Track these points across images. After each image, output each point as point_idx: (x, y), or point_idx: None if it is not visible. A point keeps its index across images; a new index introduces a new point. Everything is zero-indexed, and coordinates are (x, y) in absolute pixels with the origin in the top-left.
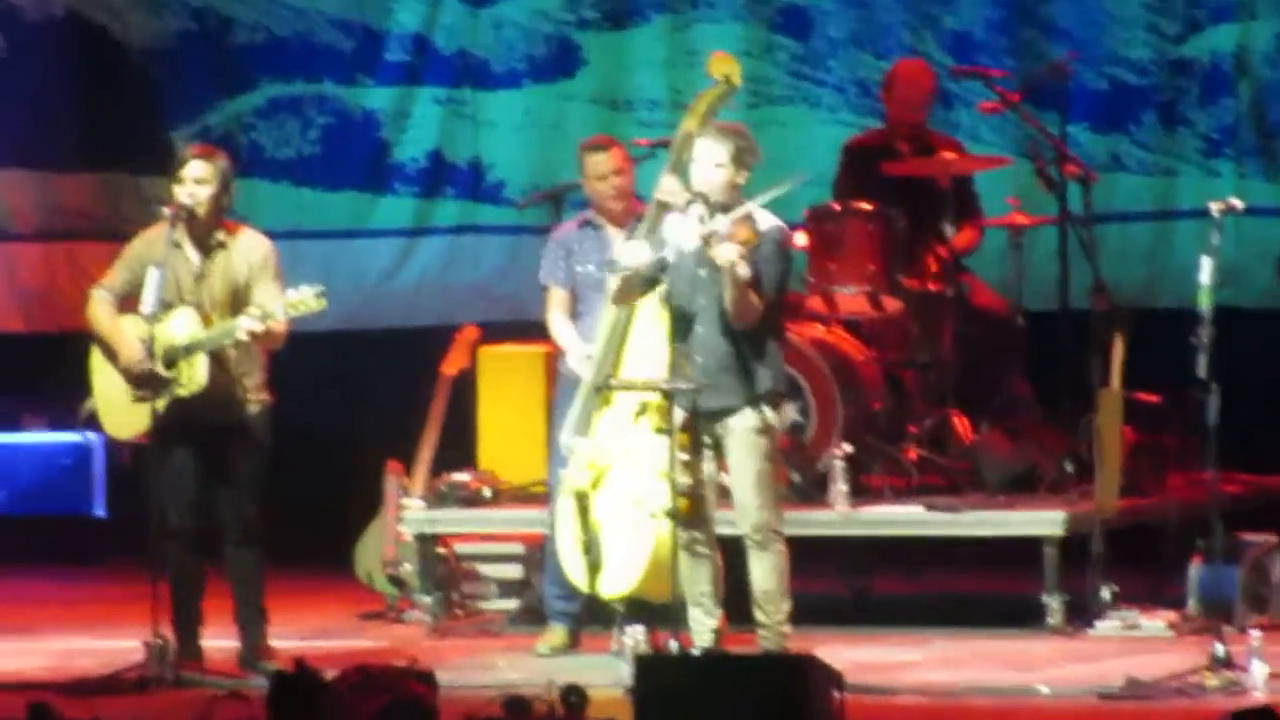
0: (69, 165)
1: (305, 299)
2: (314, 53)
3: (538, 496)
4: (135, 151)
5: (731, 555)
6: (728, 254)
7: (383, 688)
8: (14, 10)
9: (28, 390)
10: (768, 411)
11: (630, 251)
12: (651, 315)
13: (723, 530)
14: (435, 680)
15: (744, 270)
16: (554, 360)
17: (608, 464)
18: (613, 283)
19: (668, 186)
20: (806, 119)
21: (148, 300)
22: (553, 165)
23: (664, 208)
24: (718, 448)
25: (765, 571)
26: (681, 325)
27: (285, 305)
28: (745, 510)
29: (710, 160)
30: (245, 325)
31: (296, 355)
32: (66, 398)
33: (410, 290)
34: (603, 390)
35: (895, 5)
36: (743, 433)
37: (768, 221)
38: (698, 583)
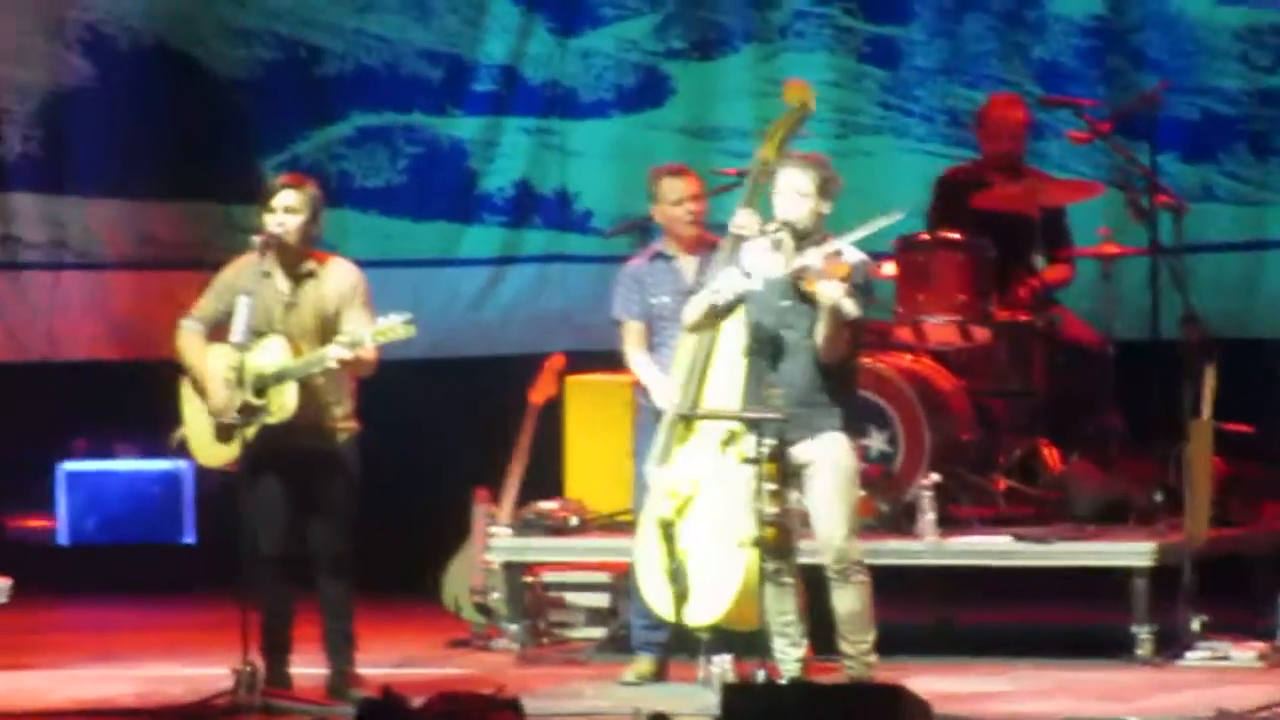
0: (159, 194)
1: (394, 326)
2: (403, 83)
3: (624, 525)
4: (225, 181)
5: (816, 585)
6: (833, 292)
7: (469, 715)
8: (104, 40)
9: (118, 418)
10: (849, 442)
11: (727, 279)
12: (732, 344)
13: (805, 560)
14: (521, 708)
15: (850, 308)
16: (640, 390)
17: (691, 492)
18: (691, 309)
19: (742, 219)
20: (894, 149)
21: (237, 329)
22: (640, 194)
23: (739, 239)
24: (800, 477)
25: (848, 602)
26: (765, 356)
27: (374, 333)
28: (827, 541)
29: (794, 189)
30: (334, 353)
31: (385, 383)
32: (157, 425)
33: (498, 319)
34: (688, 420)
35: (985, 35)
36: (825, 463)
37: (854, 255)
38: (783, 612)
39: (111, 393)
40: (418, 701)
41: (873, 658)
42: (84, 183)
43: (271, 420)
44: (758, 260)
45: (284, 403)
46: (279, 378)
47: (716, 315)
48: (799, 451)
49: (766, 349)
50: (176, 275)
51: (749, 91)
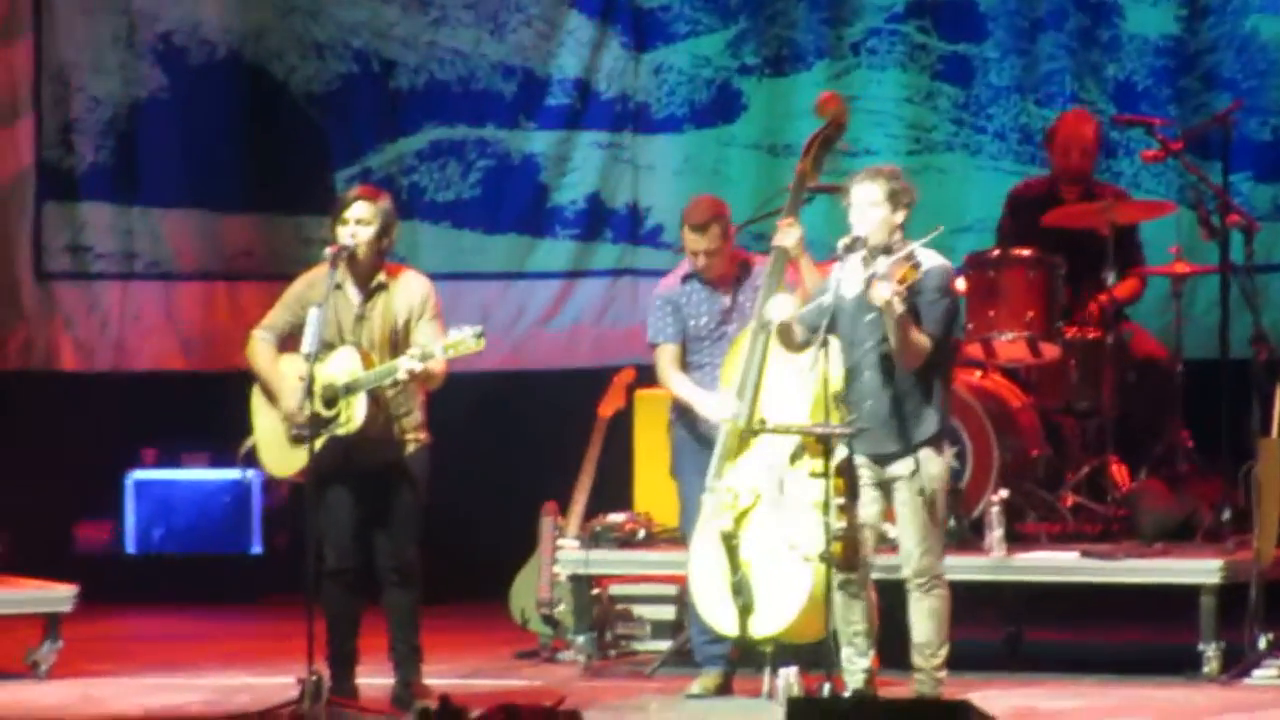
0: (230, 205)
1: (465, 339)
2: (476, 96)
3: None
4: (296, 192)
5: (889, 599)
6: (883, 292)
7: None
8: (177, 52)
9: (187, 428)
10: (933, 457)
11: (777, 306)
12: (782, 355)
13: (882, 575)
14: None
15: (899, 306)
16: (674, 410)
17: (751, 504)
18: (756, 335)
19: (782, 233)
20: (967, 166)
21: (308, 340)
22: None
23: (783, 253)
24: (883, 490)
25: (926, 616)
26: (847, 370)
27: (445, 345)
28: (909, 555)
29: (865, 201)
30: (405, 365)
31: (455, 396)
32: (225, 436)
33: (568, 333)
34: (756, 434)
35: (1058, 53)
36: (908, 478)
37: (932, 260)
38: (852, 623)
39: (180, 403)
40: (477, 712)
41: (943, 673)
42: (155, 193)
43: (341, 431)
44: (847, 276)
45: (353, 414)
46: (349, 389)
47: (805, 334)
48: (888, 464)
49: (847, 364)
50: (246, 286)
51: None
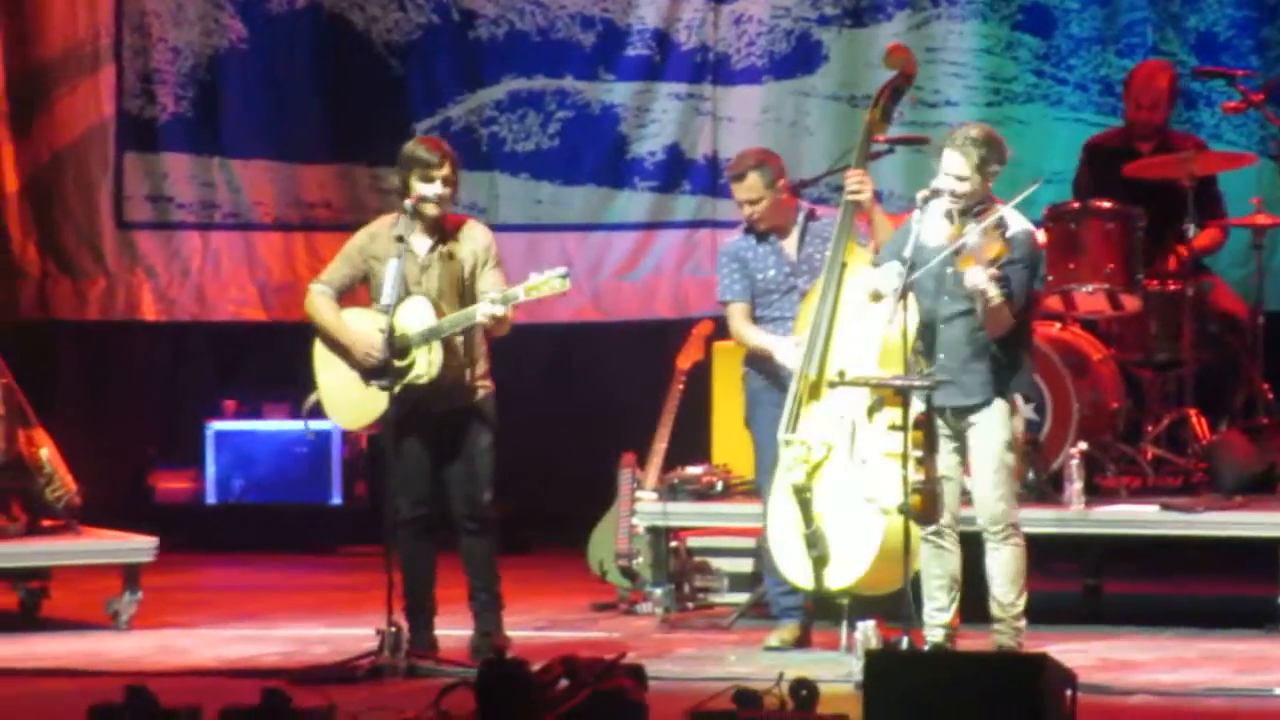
0: (309, 156)
1: (549, 281)
2: (555, 47)
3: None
4: (375, 143)
5: (968, 551)
6: (976, 280)
7: (587, 680)
8: (257, 1)
9: (266, 378)
10: (1010, 409)
11: (883, 276)
12: (856, 308)
13: (960, 527)
14: (644, 674)
15: (995, 294)
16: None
17: (824, 457)
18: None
19: (854, 184)
20: (1047, 117)
21: (387, 292)
22: (791, 161)
23: (854, 206)
24: (961, 442)
25: (1002, 565)
26: (924, 321)
27: (527, 288)
28: (984, 504)
29: (953, 173)
30: (486, 309)
31: (535, 346)
32: (305, 386)
33: (646, 283)
34: (833, 386)
35: (1139, 3)
36: (985, 429)
37: (1018, 224)
38: (935, 575)
39: (260, 353)
40: (538, 664)
41: (1022, 623)
42: (234, 144)
43: (420, 381)
44: (929, 226)
45: (431, 361)
46: (427, 337)
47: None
48: (963, 417)
49: (926, 314)
50: (325, 237)
51: None
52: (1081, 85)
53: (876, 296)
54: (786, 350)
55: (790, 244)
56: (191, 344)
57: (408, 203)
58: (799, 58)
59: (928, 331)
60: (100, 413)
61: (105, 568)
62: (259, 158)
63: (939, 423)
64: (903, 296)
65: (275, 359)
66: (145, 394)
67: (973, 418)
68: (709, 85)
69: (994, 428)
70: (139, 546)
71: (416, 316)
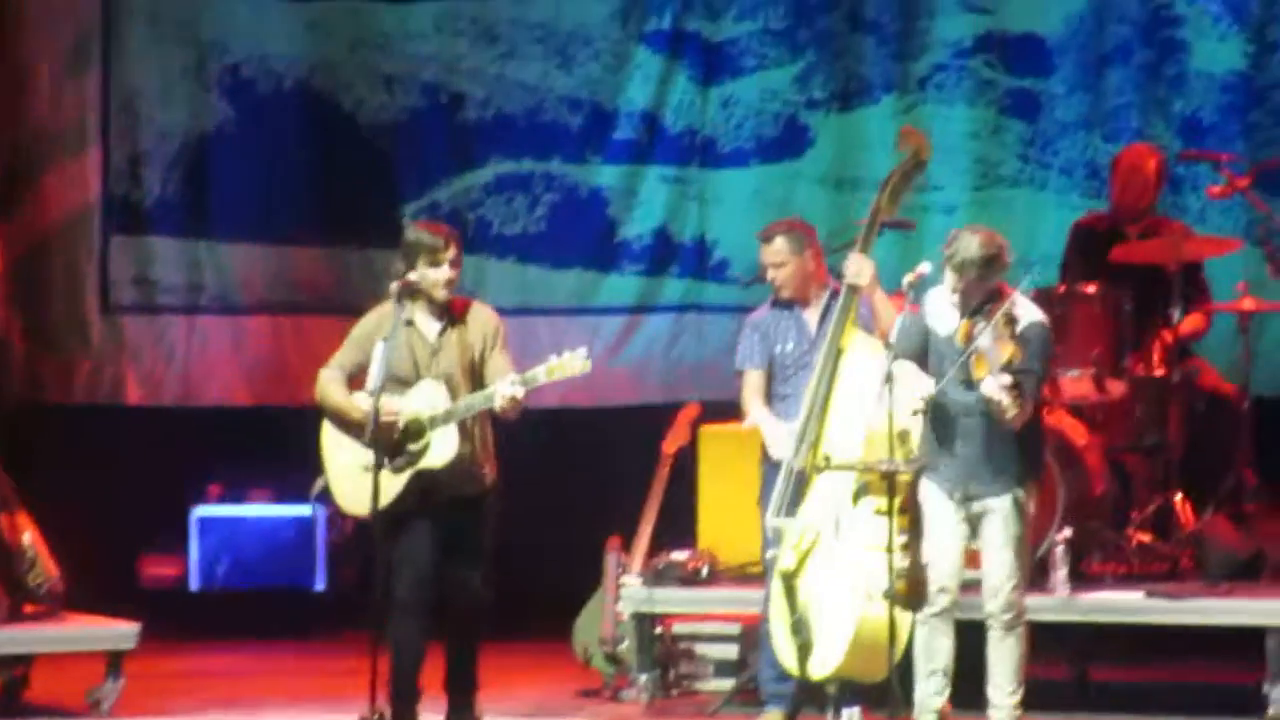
0: (298, 238)
1: (570, 361)
2: (543, 130)
3: (755, 576)
4: (363, 225)
5: (963, 639)
6: (991, 391)
7: None
8: (246, 83)
9: (252, 463)
10: (1025, 496)
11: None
12: (850, 392)
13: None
14: None
15: (1010, 408)
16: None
17: (813, 543)
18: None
19: (854, 268)
20: (1033, 201)
21: (373, 376)
22: None
23: (854, 289)
24: (972, 528)
25: (1007, 654)
26: (935, 405)
27: (549, 369)
28: (996, 590)
29: (958, 289)
30: (506, 391)
31: (521, 430)
32: (290, 471)
33: (634, 368)
34: (821, 470)
35: (1125, 88)
36: (999, 517)
37: (1028, 315)
38: (933, 659)
39: (245, 438)
40: None
41: (1019, 711)
42: (222, 226)
43: (431, 465)
44: (938, 314)
45: (445, 447)
46: (443, 420)
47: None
48: (977, 505)
49: (949, 403)
50: (313, 320)
51: (888, 142)
52: (1067, 170)
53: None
54: (778, 438)
55: (813, 318)
56: (177, 428)
57: (394, 285)
58: (786, 141)
59: (941, 419)
60: (85, 497)
61: (88, 654)
62: (246, 240)
63: (954, 506)
64: (888, 380)
65: (260, 444)
66: (130, 478)
67: (989, 505)
68: (697, 168)
69: (1011, 518)
70: (122, 633)
71: (430, 399)
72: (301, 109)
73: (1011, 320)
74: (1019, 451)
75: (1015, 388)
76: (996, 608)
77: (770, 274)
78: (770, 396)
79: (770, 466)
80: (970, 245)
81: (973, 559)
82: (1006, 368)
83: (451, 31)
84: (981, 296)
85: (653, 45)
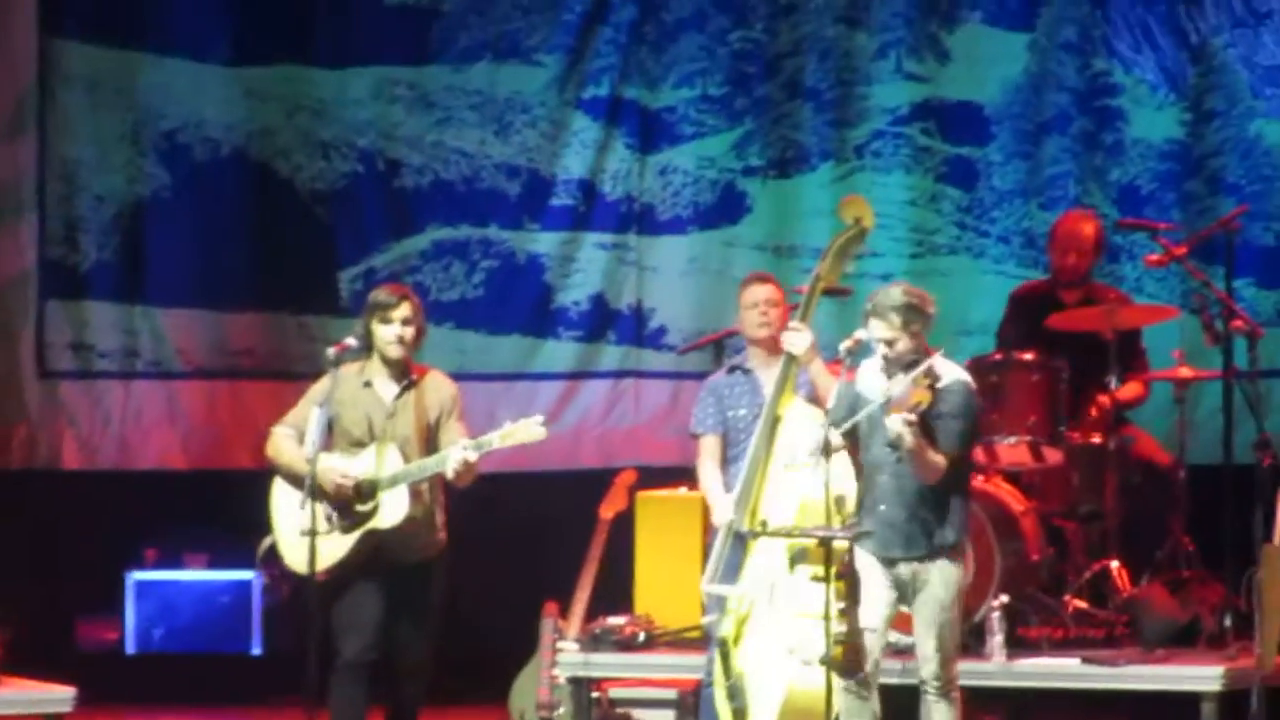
0: (234, 304)
1: (525, 427)
2: (481, 197)
3: (693, 642)
4: (300, 291)
5: (895, 704)
6: (894, 425)
7: None
8: (181, 149)
9: (188, 527)
10: (951, 564)
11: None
12: (786, 458)
13: (894, 680)
14: None
15: (910, 440)
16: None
17: (749, 610)
18: (771, 436)
19: (792, 338)
20: (970, 269)
21: (310, 439)
22: (715, 311)
23: (793, 358)
24: (899, 593)
25: (940, 718)
26: (866, 470)
27: (502, 435)
28: (928, 659)
29: (880, 339)
30: (459, 455)
31: (459, 495)
32: (226, 535)
33: (571, 433)
34: (758, 536)
35: (1062, 157)
36: (926, 582)
37: (951, 374)
38: None
39: (181, 502)
40: None
41: None
42: (158, 292)
43: (381, 526)
44: (868, 380)
45: (395, 509)
46: (393, 481)
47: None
48: (904, 569)
49: (871, 466)
50: (249, 386)
51: (826, 209)
52: (1004, 238)
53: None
54: (717, 505)
55: (769, 382)
56: (113, 492)
57: (331, 351)
58: (724, 208)
59: (869, 482)
60: (21, 560)
61: (24, 718)
62: (182, 306)
63: (881, 571)
64: (825, 451)
65: (197, 508)
66: (66, 542)
67: (915, 569)
68: (634, 235)
69: (940, 582)
70: (58, 697)
71: (384, 462)
72: (238, 175)
73: (930, 374)
74: (944, 515)
75: (916, 426)
76: (927, 675)
77: (761, 310)
78: (724, 460)
79: (716, 533)
80: (891, 292)
81: (905, 622)
82: (913, 409)
83: (388, 98)
84: (907, 354)
85: (590, 112)
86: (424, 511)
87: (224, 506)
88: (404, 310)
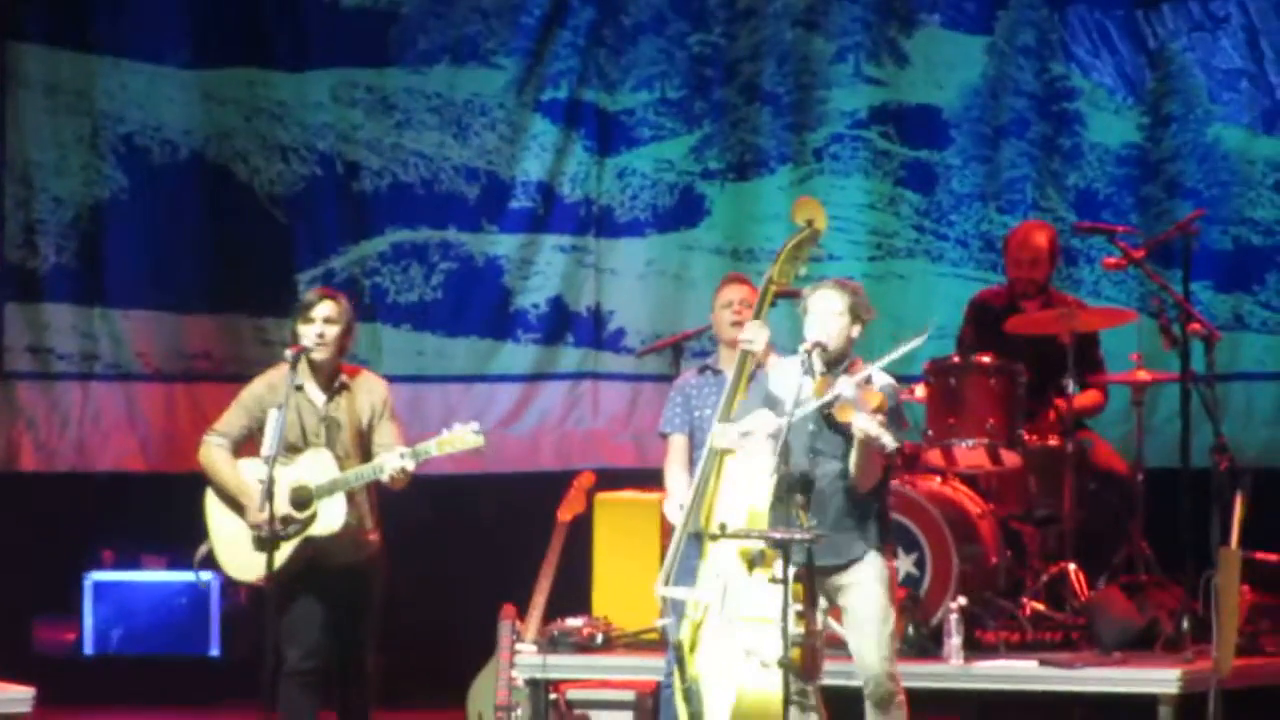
0: (192, 307)
1: (462, 436)
2: (439, 199)
3: (650, 644)
4: (259, 294)
5: (850, 706)
6: (870, 427)
7: None
8: (139, 152)
9: (146, 529)
10: (883, 565)
11: (720, 435)
12: (739, 463)
13: (840, 682)
14: None
15: (889, 443)
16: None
17: (704, 614)
18: (722, 440)
19: (749, 333)
20: (928, 272)
21: (268, 443)
22: (673, 314)
23: (748, 355)
24: (833, 601)
25: None
26: (797, 479)
27: (440, 442)
28: (867, 665)
29: (829, 310)
30: (396, 464)
31: (416, 497)
32: (184, 537)
33: (529, 436)
34: (716, 539)
35: (1020, 161)
36: (862, 586)
37: (881, 379)
38: None
39: (139, 504)
40: None
41: None
42: (117, 295)
43: (319, 533)
44: (785, 383)
45: (332, 516)
46: (330, 489)
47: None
48: (836, 576)
49: (795, 473)
50: (207, 388)
51: (784, 213)
52: (963, 241)
53: (714, 451)
54: (673, 506)
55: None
56: (71, 494)
57: (288, 352)
58: (682, 211)
59: (802, 488)
60: None
61: None
62: (141, 308)
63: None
64: (783, 451)
65: (155, 510)
66: (24, 543)
67: (848, 577)
68: (593, 238)
69: (873, 586)
70: (16, 697)
71: (318, 469)
72: (197, 178)
73: (871, 381)
74: (868, 521)
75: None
76: (867, 684)
77: (735, 310)
78: (691, 461)
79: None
80: (828, 283)
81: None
82: (877, 411)
83: (347, 101)
84: (837, 352)
85: (549, 115)
86: (357, 516)
87: (182, 508)
88: (325, 309)
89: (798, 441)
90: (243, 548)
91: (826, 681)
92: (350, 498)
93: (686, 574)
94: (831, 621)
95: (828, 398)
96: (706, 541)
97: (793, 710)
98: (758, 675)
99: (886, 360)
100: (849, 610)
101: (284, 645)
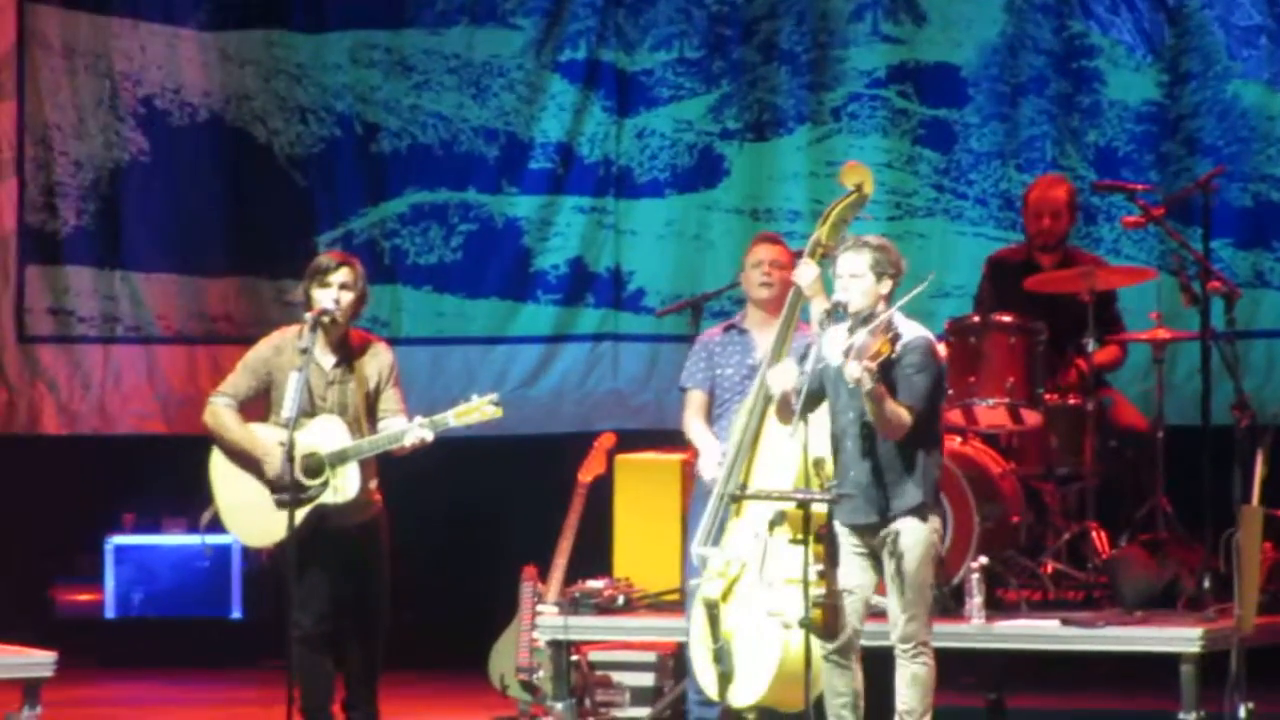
0: (212, 269)
1: (480, 407)
2: (458, 160)
3: (672, 604)
4: (278, 256)
5: (877, 666)
6: (852, 370)
7: None
8: (159, 115)
9: (167, 492)
10: (917, 525)
11: (779, 374)
12: (779, 424)
13: (871, 641)
14: None
15: (869, 383)
16: (690, 468)
17: (739, 573)
18: (766, 399)
19: (800, 271)
20: (947, 231)
21: (288, 405)
22: (693, 274)
23: (799, 292)
24: (872, 559)
25: (910, 683)
26: (832, 437)
27: (457, 413)
28: (895, 621)
29: (848, 272)
30: (416, 434)
31: (438, 459)
32: (205, 500)
33: (549, 398)
34: (737, 500)
35: (1039, 119)
36: (895, 545)
37: (912, 332)
38: (840, 693)
39: (160, 467)
40: None
41: None
42: (136, 257)
43: (333, 500)
44: (830, 343)
45: (347, 482)
46: (344, 457)
47: (807, 404)
48: (868, 534)
49: (834, 431)
50: (227, 350)
51: (803, 173)
52: (982, 200)
53: (768, 395)
54: (708, 460)
55: (763, 344)
56: (92, 456)
57: (309, 315)
58: (701, 171)
59: (838, 449)
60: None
61: (4, 683)
62: (161, 271)
63: (852, 538)
64: (804, 410)
65: (176, 472)
66: (45, 507)
67: (883, 534)
68: (612, 198)
69: (909, 544)
70: (38, 661)
71: (330, 435)
72: (216, 140)
73: (890, 327)
74: (910, 476)
75: (874, 373)
76: (898, 638)
77: (765, 270)
78: (709, 419)
79: (701, 492)
80: (850, 244)
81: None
82: (874, 359)
83: (366, 63)
84: (871, 304)
85: (567, 76)
86: (365, 479)
87: (203, 471)
88: (342, 275)
89: (838, 400)
90: (251, 513)
91: (865, 642)
92: (364, 464)
93: (718, 533)
94: (876, 597)
95: (844, 346)
96: (735, 501)
97: (827, 666)
98: (799, 639)
99: (895, 308)
100: (885, 566)
101: (297, 609)
